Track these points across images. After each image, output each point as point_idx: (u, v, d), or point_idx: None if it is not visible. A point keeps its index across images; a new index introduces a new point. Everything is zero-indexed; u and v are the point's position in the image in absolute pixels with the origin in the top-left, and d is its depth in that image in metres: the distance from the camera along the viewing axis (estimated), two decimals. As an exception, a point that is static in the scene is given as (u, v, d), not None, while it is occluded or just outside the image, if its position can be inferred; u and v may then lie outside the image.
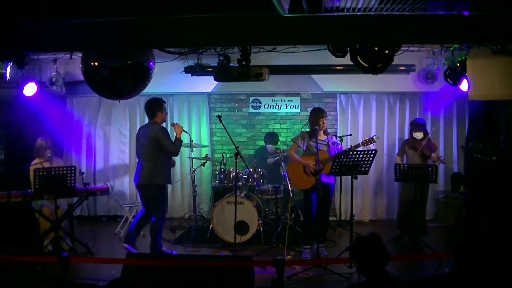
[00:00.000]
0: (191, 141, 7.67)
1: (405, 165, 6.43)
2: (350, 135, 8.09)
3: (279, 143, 8.21)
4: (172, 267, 4.64)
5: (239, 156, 6.17)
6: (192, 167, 7.63)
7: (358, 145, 6.10)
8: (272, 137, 8.09)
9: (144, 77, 5.66)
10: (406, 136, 7.75)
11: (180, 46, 6.19)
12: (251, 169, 7.05)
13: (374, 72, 5.35)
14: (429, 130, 7.16)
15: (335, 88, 8.24)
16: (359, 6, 4.08)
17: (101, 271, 5.54)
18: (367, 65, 5.25)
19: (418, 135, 6.85)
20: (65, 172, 6.16)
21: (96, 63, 5.42)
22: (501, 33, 4.42)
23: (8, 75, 5.98)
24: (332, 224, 7.70)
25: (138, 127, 7.41)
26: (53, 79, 7.41)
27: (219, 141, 8.78)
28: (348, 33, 4.57)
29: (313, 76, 7.95)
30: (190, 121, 8.59)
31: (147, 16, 4.48)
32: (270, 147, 8.02)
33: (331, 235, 7.30)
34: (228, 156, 7.36)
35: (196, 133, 8.58)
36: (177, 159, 8.46)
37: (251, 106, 8.67)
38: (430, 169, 6.21)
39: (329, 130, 6.83)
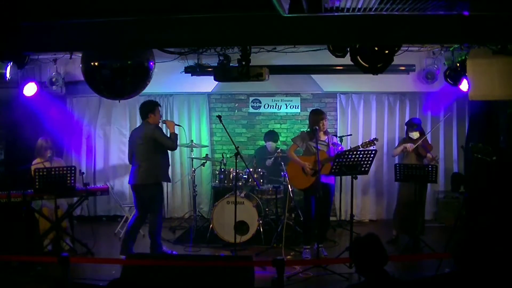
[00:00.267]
0: (191, 141, 7.66)
1: (405, 165, 6.42)
2: (350, 135, 8.08)
3: (279, 142, 8.19)
4: (172, 267, 4.64)
5: (239, 156, 6.16)
6: (192, 167, 7.63)
7: (358, 147, 6.09)
8: (272, 135, 8.04)
9: (144, 77, 5.67)
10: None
11: (180, 46, 6.19)
12: (251, 169, 7.04)
13: (374, 72, 5.35)
14: (429, 130, 7.14)
15: (335, 88, 8.23)
16: (359, 6, 4.08)
17: (101, 271, 5.54)
18: (367, 65, 5.25)
19: (414, 135, 6.84)
20: (65, 172, 6.17)
21: (96, 63, 5.43)
22: (501, 33, 4.42)
23: (8, 75, 5.97)
24: (332, 224, 7.68)
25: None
26: (53, 79, 7.41)
27: (219, 141, 8.78)
28: (348, 33, 4.57)
29: (313, 76, 7.94)
30: (190, 121, 8.58)
31: (147, 16, 4.48)
32: (270, 145, 7.95)
33: (331, 235, 7.30)
34: (228, 156, 7.35)
35: (196, 133, 8.57)
36: (177, 159, 8.50)
37: (251, 106, 8.66)
38: (430, 169, 6.21)
39: (329, 130, 6.82)
